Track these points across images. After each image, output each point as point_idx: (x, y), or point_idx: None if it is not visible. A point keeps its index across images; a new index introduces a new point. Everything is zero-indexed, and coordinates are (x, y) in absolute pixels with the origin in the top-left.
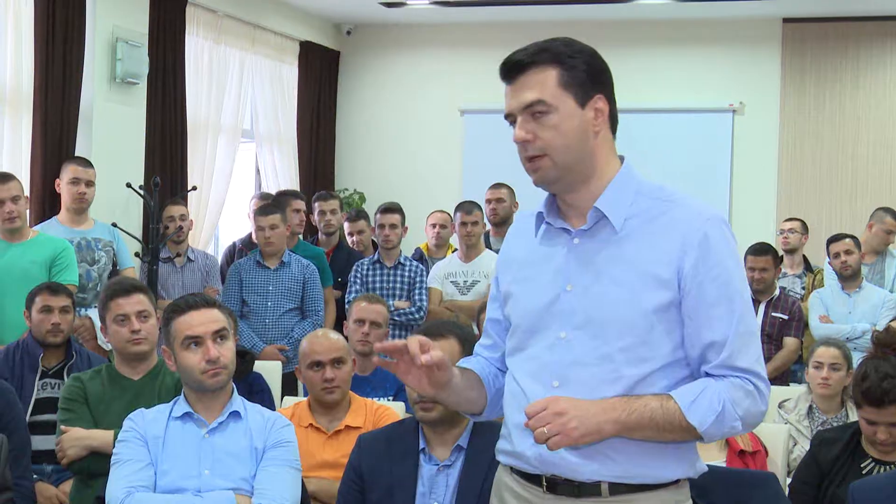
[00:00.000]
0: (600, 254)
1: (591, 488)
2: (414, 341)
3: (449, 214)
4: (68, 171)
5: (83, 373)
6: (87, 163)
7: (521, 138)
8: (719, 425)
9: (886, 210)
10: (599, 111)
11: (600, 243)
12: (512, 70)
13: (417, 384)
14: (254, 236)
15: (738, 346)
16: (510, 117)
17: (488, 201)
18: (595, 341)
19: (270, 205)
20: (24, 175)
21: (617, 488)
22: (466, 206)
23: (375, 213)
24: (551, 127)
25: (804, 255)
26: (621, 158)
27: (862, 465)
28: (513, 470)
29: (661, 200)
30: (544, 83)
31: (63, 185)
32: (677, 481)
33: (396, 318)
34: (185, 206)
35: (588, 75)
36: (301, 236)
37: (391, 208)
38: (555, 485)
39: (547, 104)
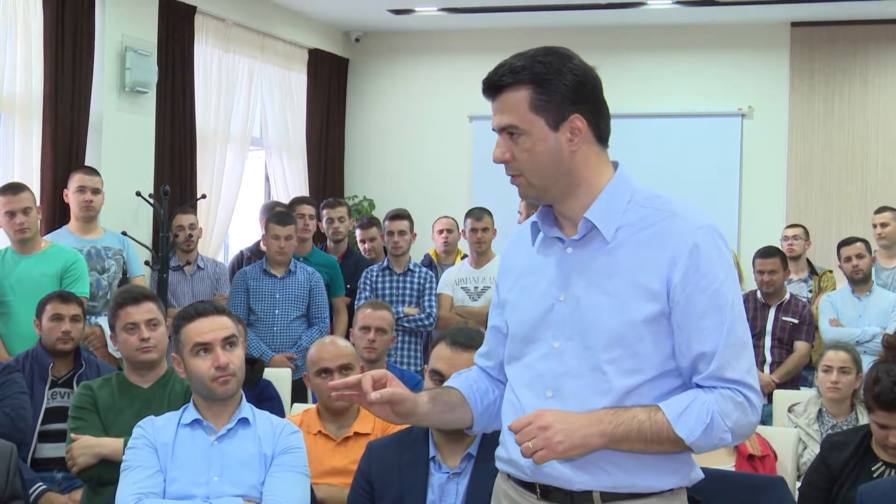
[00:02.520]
0: (592, 264)
1: (584, 497)
2: (367, 378)
3: (454, 220)
4: (74, 180)
5: (93, 381)
6: (92, 171)
7: (498, 158)
8: (708, 437)
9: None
10: (577, 130)
11: (592, 253)
12: (489, 90)
13: (383, 415)
14: (263, 244)
15: (728, 357)
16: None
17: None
18: (586, 352)
19: (288, 215)
20: (34, 184)
21: (608, 496)
22: (476, 213)
23: (384, 220)
24: (525, 150)
25: (807, 259)
26: (616, 165)
27: (872, 469)
28: (509, 477)
29: (654, 210)
30: (516, 107)
31: (70, 195)
32: (671, 490)
33: (406, 325)
34: (195, 214)
35: (565, 96)
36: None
37: (399, 215)
38: (548, 492)
39: (519, 129)
